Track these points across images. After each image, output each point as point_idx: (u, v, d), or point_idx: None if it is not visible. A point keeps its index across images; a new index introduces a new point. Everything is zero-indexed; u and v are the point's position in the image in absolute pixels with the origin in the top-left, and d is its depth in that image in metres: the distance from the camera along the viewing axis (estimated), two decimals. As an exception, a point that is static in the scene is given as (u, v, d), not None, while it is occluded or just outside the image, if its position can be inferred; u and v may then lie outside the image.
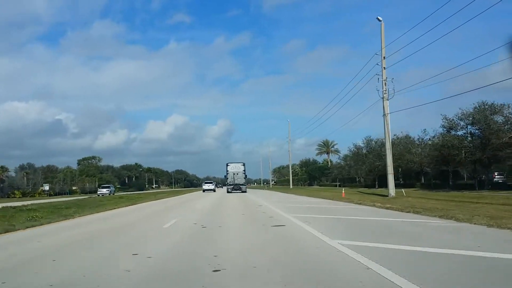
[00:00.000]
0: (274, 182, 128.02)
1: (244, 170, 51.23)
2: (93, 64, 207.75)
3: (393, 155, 45.94)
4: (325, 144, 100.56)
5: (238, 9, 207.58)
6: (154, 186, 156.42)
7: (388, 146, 30.56)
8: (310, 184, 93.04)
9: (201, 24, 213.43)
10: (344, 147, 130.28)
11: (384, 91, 29.06)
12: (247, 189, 53.21)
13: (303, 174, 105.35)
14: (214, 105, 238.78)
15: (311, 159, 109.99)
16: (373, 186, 53.88)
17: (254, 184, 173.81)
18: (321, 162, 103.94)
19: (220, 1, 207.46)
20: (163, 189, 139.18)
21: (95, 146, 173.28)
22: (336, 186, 72.84)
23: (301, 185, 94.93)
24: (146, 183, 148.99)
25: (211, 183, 66.18)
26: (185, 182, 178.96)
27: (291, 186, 77.22)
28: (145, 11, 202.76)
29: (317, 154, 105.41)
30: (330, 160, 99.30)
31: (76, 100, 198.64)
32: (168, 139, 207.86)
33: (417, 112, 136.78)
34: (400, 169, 46.88)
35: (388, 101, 29.39)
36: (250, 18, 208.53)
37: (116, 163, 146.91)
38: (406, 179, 48.89)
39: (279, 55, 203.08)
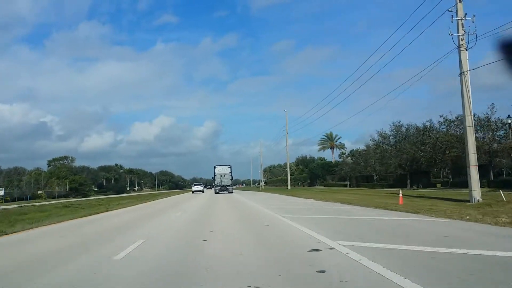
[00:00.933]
0: (265, 182, 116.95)
1: (231, 172, 53.39)
2: (79, 65, 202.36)
3: (445, 144, 34.19)
4: (328, 138, 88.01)
5: (225, 10, 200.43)
6: (136, 188, 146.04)
7: (470, 122, 19.16)
8: (312, 184, 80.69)
9: (188, 25, 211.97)
10: (347, 143, 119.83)
11: (461, 37, 18.07)
12: (234, 190, 55.06)
13: (300, 173, 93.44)
14: (202, 106, 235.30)
15: (308, 157, 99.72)
16: (401, 186, 42.36)
17: (243, 185, 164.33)
18: (316, 158, 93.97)
19: (207, 2, 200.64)
20: (146, 191, 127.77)
21: (80, 149, 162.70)
22: (346, 185, 60.77)
23: (300, 185, 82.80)
24: (128, 185, 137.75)
25: (200, 184, 70.00)
26: (170, 184, 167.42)
27: (289, 187, 64.96)
28: (132, 12, 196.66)
29: (320, 150, 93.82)
30: (325, 157, 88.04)
31: (61, 102, 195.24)
32: (155, 141, 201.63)
33: (406, 109, 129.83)
34: (450, 162, 34.78)
35: (467, 52, 18.86)
36: (238, 19, 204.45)
37: (99, 165, 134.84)
38: (456, 176, 36.04)
39: (267, 56, 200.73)
